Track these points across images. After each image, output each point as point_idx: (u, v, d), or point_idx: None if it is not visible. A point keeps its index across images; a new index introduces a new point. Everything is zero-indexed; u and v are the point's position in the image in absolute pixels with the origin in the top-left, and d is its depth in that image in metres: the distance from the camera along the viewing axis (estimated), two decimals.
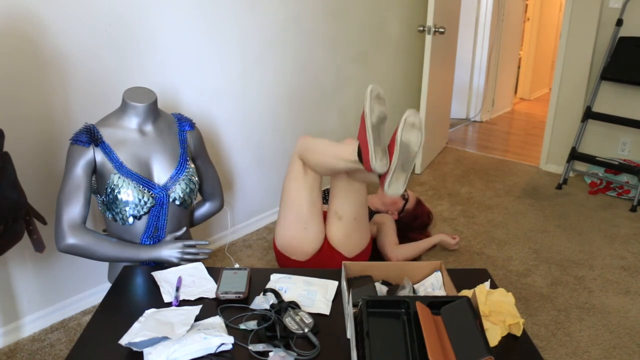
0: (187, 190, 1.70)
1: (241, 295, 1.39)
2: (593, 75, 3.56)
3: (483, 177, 3.69)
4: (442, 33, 3.45)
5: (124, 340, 1.18)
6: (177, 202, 1.68)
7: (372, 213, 2.57)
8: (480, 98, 5.24)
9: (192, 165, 1.75)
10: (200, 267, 1.56)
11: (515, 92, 6.37)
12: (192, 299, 1.41)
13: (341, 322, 1.33)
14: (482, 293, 1.35)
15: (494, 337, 1.25)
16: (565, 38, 3.57)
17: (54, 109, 1.89)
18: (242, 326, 1.27)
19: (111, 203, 1.60)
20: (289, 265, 2.09)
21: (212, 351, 1.18)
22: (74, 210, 1.56)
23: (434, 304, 1.18)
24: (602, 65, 3.39)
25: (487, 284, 1.45)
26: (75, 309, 2.11)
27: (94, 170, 1.60)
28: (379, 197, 2.60)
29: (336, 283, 1.49)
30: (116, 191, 1.58)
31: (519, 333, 1.28)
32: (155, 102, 1.67)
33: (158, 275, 1.50)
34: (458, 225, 2.93)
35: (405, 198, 2.58)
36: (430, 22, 3.38)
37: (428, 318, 1.13)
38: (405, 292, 1.38)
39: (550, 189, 3.51)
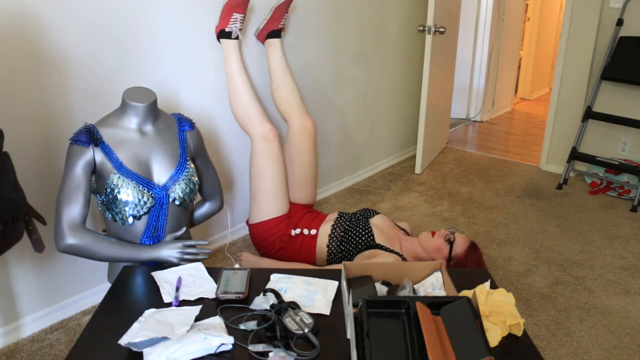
0: (187, 190, 1.70)
1: (241, 296, 1.38)
2: (593, 75, 3.56)
3: (483, 177, 3.69)
4: (442, 33, 3.45)
5: (123, 341, 1.18)
6: (177, 202, 1.68)
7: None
8: (481, 98, 5.24)
9: (192, 165, 1.75)
10: (200, 267, 1.56)
11: (516, 92, 6.38)
12: (192, 299, 1.40)
13: (341, 322, 1.32)
14: (482, 293, 1.35)
15: (494, 338, 1.25)
16: (566, 38, 3.57)
17: (54, 109, 1.89)
18: (242, 326, 1.27)
19: (111, 203, 1.60)
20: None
21: (212, 351, 1.18)
22: (73, 210, 1.56)
23: (434, 304, 1.18)
24: (603, 65, 3.39)
25: (487, 284, 1.45)
26: (75, 309, 2.11)
27: (94, 170, 1.60)
28: (420, 243, 2.21)
29: (336, 283, 1.49)
30: (116, 191, 1.58)
31: (519, 333, 1.28)
32: (155, 102, 1.67)
33: (158, 275, 1.50)
34: (458, 225, 2.93)
35: (450, 241, 2.13)
36: (430, 22, 3.38)
37: (428, 318, 1.12)
38: (405, 292, 1.38)
39: (550, 189, 3.51)
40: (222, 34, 2.28)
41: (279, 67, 2.47)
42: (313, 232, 2.32)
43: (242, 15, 2.25)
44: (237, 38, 2.26)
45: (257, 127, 2.28)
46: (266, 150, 2.28)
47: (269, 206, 2.31)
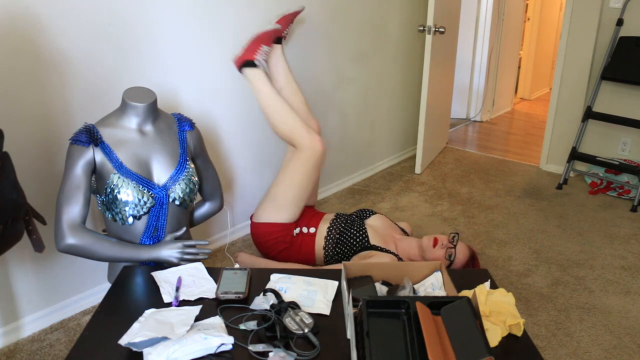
0: (187, 190, 1.70)
1: (241, 296, 1.39)
2: (593, 75, 3.56)
3: (483, 177, 3.69)
4: (442, 33, 3.45)
5: (123, 341, 1.18)
6: (177, 202, 1.68)
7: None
8: (481, 98, 5.24)
9: (192, 165, 1.75)
10: (200, 267, 1.56)
11: (516, 92, 6.37)
12: (192, 299, 1.40)
13: (341, 322, 1.32)
14: (482, 293, 1.35)
15: (494, 338, 1.25)
16: (566, 38, 3.57)
17: (54, 109, 1.89)
18: (242, 326, 1.27)
19: (111, 203, 1.60)
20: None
21: (212, 351, 1.18)
22: (73, 210, 1.56)
23: (434, 304, 1.18)
24: (603, 65, 3.39)
25: (488, 284, 1.45)
26: (75, 309, 2.11)
27: (94, 170, 1.60)
28: (420, 251, 2.24)
29: (336, 283, 1.49)
30: (116, 191, 1.58)
31: (519, 333, 1.28)
32: (155, 102, 1.67)
33: (158, 275, 1.50)
34: (458, 225, 2.93)
35: (450, 259, 2.14)
36: (430, 21, 3.38)
37: (428, 318, 1.12)
38: (405, 292, 1.38)
39: (550, 189, 3.51)
40: (247, 64, 2.29)
41: (281, 70, 2.46)
42: (312, 230, 2.32)
43: (269, 47, 2.29)
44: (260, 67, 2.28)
45: (305, 139, 2.25)
46: (310, 162, 2.26)
47: (286, 212, 2.29)
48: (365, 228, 2.29)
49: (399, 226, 2.47)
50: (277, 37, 2.45)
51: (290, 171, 2.28)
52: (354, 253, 2.24)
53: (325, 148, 2.29)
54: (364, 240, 2.24)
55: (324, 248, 2.29)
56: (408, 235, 2.49)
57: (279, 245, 2.31)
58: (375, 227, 2.34)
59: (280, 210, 2.29)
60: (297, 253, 2.32)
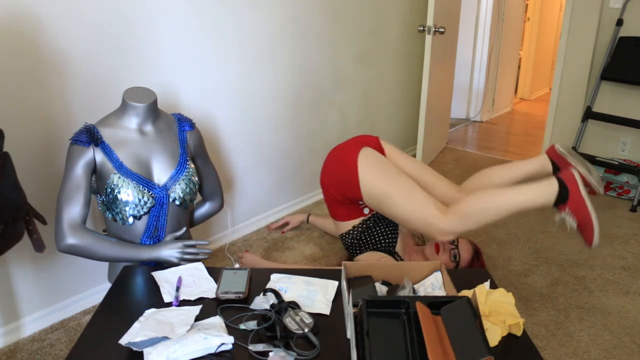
0: (187, 190, 1.70)
1: (241, 295, 1.39)
2: (593, 75, 3.56)
3: None
4: (442, 33, 3.45)
5: (123, 340, 1.18)
6: (177, 202, 1.68)
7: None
8: (481, 98, 5.24)
9: (192, 165, 1.75)
10: (200, 267, 1.56)
11: (515, 92, 6.38)
12: (192, 299, 1.41)
13: (341, 322, 1.33)
14: (482, 293, 1.35)
15: (494, 337, 1.25)
16: (565, 38, 3.57)
17: (54, 109, 1.89)
18: (242, 326, 1.27)
19: (111, 203, 1.60)
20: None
21: (212, 351, 1.18)
22: (73, 210, 1.56)
23: (434, 304, 1.18)
24: (602, 65, 3.39)
25: (487, 284, 1.45)
26: (75, 309, 2.11)
27: (94, 170, 1.60)
28: (425, 258, 2.23)
29: (336, 283, 1.49)
30: (116, 191, 1.58)
31: (519, 333, 1.28)
32: (155, 102, 1.67)
33: (158, 275, 1.50)
34: None
35: (456, 260, 2.16)
36: (430, 22, 3.38)
37: (428, 318, 1.13)
38: (405, 292, 1.38)
39: None
40: (562, 192, 1.98)
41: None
42: (366, 211, 2.23)
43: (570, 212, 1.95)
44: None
45: (449, 231, 1.92)
46: (421, 225, 1.98)
47: (375, 204, 2.11)
48: (398, 233, 2.24)
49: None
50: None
51: (417, 204, 1.97)
52: (373, 249, 2.20)
53: (438, 238, 1.97)
54: (390, 244, 2.20)
55: (354, 227, 2.22)
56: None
57: (341, 194, 2.15)
58: (403, 233, 2.32)
59: (373, 202, 2.08)
60: (339, 208, 2.23)
